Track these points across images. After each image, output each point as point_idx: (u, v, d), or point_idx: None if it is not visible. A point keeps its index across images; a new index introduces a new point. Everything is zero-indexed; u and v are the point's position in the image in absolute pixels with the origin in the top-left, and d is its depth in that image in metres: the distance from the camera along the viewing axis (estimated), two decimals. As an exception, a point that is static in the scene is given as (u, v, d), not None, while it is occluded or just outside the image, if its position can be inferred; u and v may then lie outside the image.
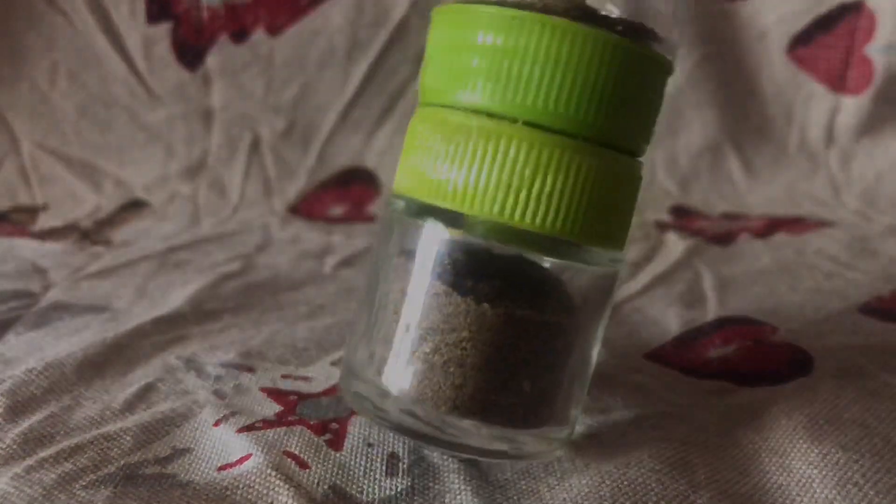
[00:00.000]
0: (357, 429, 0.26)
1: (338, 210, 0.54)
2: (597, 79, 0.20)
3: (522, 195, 0.21)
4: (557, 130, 0.21)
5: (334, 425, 0.27)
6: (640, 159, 0.23)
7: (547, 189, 0.21)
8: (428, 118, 0.23)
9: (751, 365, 0.30)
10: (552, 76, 0.20)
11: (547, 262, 0.23)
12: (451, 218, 0.22)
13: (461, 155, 0.21)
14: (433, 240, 0.22)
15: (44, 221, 0.51)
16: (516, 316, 0.22)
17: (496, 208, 0.21)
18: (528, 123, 0.21)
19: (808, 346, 0.31)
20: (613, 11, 0.21)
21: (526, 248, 0.22)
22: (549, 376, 0.23)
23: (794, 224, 0.50)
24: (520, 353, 0.22)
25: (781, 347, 0.31)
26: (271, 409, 0.28)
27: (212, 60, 0.54)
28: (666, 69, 0.22)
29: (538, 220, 0.21)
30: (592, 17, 0.21)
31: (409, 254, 0.23)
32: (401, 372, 0.23)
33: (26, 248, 0.46)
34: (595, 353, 0.24)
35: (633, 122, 0.22)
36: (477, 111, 0.21)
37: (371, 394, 0.24)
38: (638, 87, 0.21)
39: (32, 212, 0.53)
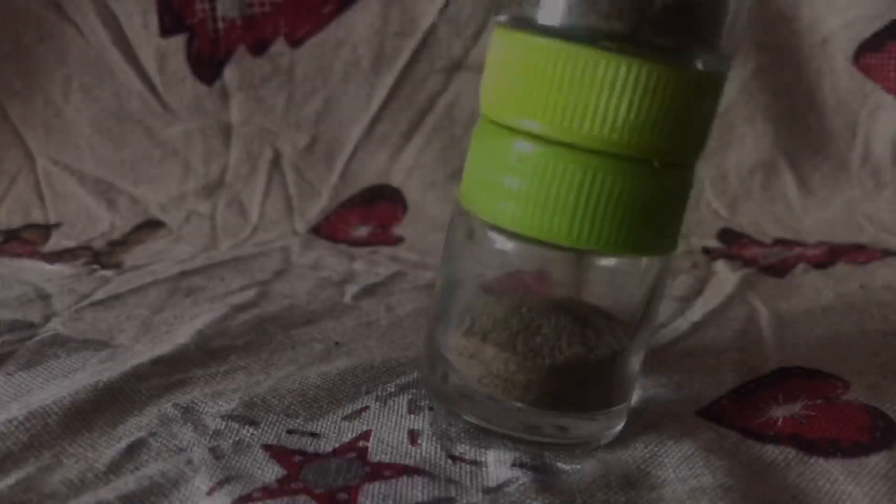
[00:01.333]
0: (369, 501, 0.23)
1: (362, 231, 0.51)
2: (650, 106, 0.21)
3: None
4: (612, 154, 0.22)
5: (343, 495, 0.24)
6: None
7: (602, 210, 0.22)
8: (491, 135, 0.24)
9: (822, 430, 0.26)
10: (606, 105, 0.21)
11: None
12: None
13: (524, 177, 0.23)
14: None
15: (56, 241, 0.49)
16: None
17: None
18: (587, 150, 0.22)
19: (890, 409, 0.27)
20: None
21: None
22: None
23: (857, 252, 0.46)
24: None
25: (857, 409, 0.27)
26: (273, 472, 0.25)
27: (229, 73, 0.52)
28: (716, 83, 0.23)
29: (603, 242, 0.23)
30: (643, 45, 0.21)
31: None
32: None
33: (33, 270, 0.44)
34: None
35: (684, 140, 0.23)
36: (537, 137, 0.22)
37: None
38: (686, 107, 0.22)
39: (45, 230, 0.51)
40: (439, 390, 0.27)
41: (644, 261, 0.24)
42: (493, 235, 0.24)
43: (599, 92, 0.21)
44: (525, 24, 0.23)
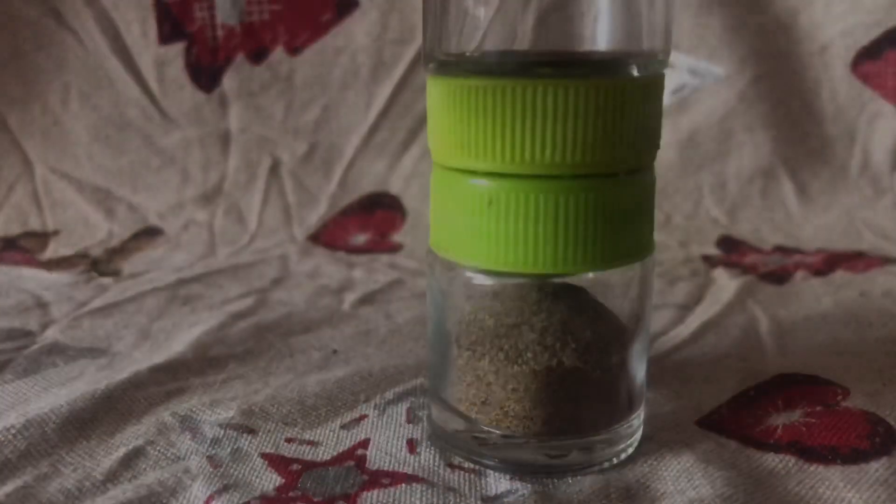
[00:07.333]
0: (367, 509, 0.23)
1: (361, 238, 0.51)
2: (605, 123, 0.22)
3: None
4: (581, 175, 0.23)
5: (341, 504, 0.23)
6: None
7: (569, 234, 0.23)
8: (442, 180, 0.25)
9: (821, 437, 0.26)
10: (564, 131, 0.22)
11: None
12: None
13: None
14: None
15: (54, 249, 0.49)
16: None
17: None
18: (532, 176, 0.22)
19: (889, 415, 0.27)
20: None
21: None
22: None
23: (855, 260, 0.46)
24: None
25: (857, 416, 0.27)
26: (271, 481, 0.25)
27: (228, 81, 0.52)
28: (658, 83, 0.23)
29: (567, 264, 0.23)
30: (566, 65, 0.23)
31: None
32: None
33: (31, 279, 0.44)
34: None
35: (640, 145, 0.23)
36: (501, 175, 0.23)
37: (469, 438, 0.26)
38: (637, 115, 0.23)
39: (43, 238, 0.51)
40: (457, 443, 0.26)
41: (626, 268, 0.24)
42: (478, 278, 0.25)
43: (555, 120, 0.22)
44: (463, 66, 0.23)
